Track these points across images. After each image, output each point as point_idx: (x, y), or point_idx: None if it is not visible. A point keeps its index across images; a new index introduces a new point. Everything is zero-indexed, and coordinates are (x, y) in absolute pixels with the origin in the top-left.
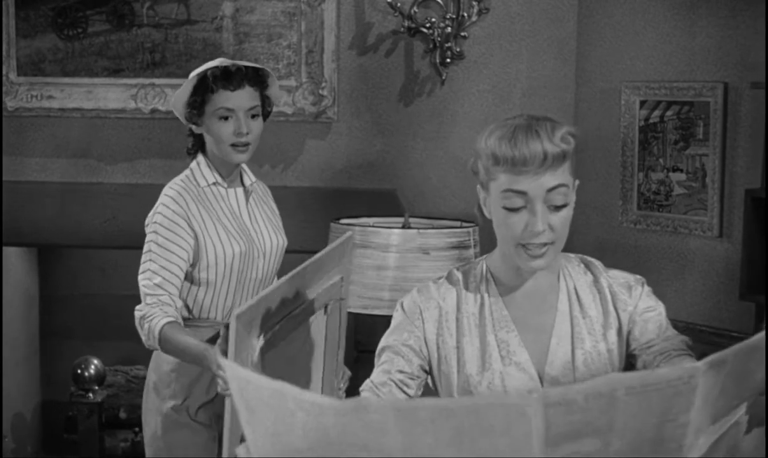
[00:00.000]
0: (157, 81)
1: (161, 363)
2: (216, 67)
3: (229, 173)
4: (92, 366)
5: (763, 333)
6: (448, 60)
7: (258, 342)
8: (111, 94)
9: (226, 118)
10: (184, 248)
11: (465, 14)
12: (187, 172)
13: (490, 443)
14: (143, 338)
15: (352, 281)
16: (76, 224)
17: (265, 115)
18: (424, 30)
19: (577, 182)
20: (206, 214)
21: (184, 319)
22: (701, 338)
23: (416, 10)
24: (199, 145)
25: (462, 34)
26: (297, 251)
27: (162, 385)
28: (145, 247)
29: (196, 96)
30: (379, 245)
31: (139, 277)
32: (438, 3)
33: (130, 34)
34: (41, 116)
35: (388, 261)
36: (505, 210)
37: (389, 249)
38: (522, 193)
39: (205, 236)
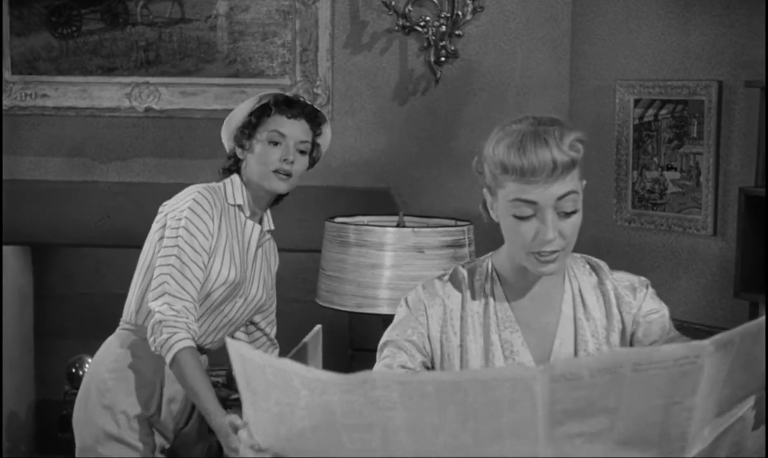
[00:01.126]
0: (151, 79)
1: (101, 369)
2: (279, 94)
3: (256, 206)
4: (86, 365)
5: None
6: (443, 58)
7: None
8: (105, 93)
9: (276, 143)
10: (206, 250)
11: (459, 13)
12: (218, 184)
13: (495, 420)
14: (150, 340)
15: (347, 280)
16: (70, 223)
17: (312, 161)
18: (419, 28)
19: (584, 182)
20: (223, 229)
21: (137, 326)
22: (696, 336)
23: (411, 9)
24: (235, 169)
25: (456, 32)
26: (292, 250)
27: (99, 392)
28: (171, 241)
29: (251, 116)
30: (373, 244)
31: (160, 269)
32: (432, 1)
33: (125, 33)
34: (35, 115)
35: (383, 259)
36: (515, 218)
37: (384, 247)
38: (532, 203)
39: (212, 247)
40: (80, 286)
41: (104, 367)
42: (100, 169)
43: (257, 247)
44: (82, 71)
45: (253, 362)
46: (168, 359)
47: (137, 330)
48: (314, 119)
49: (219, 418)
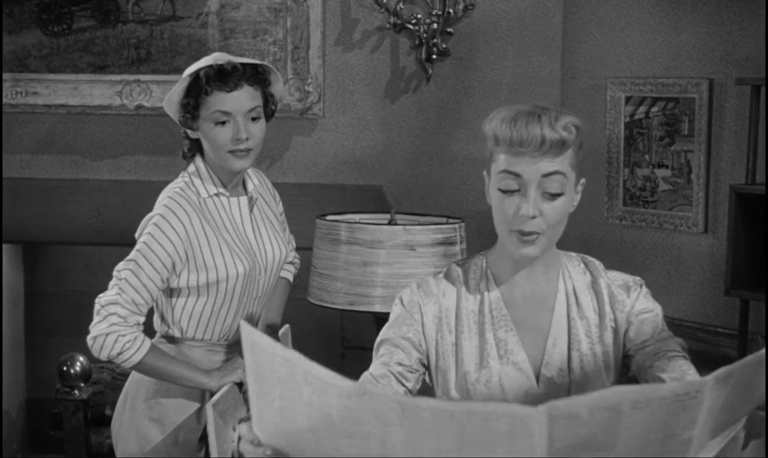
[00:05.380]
0: (142, 77)
1: (145, 380)
2: (209, 67)
3: (230, 180)
4: (78, 364)
5: None
6: (434, 56)
7: (235, 434)
8: (96, 91)
9: (223, 123)
10: (167, 268)
11: (451, 10)
12: (185, 177)
13: (492, 451)
14: (105, 351)
15: (339, 277)
16: (61, 221)
17: (269, 115)
18: (410, 26)
19: (583, 180)
20: (209, 229)
21: (174, 339)
22: (686, 333)
23: (402, 7)
24: (196, 149)
25: (448, 30)
26: None
27: (147, 406)
28: (132, 254)
29: (189, 98)
30: (365, 241)
31: (115, 281)
32: None
33: (115, 30)
34: (26, 112)
35: (375, 257)
36: (500, 192)
37: (375, 245)
38: (517, 175)
39: (205, 254)
40: (71, 284)
41: (148, 378)
42: (92, 167)
43: (251, 212)
44: (73, 69)
45: (264, 350)
46: (132, 366)
47: (174, 341)
48: (256, 75)
49: (217, 380)
